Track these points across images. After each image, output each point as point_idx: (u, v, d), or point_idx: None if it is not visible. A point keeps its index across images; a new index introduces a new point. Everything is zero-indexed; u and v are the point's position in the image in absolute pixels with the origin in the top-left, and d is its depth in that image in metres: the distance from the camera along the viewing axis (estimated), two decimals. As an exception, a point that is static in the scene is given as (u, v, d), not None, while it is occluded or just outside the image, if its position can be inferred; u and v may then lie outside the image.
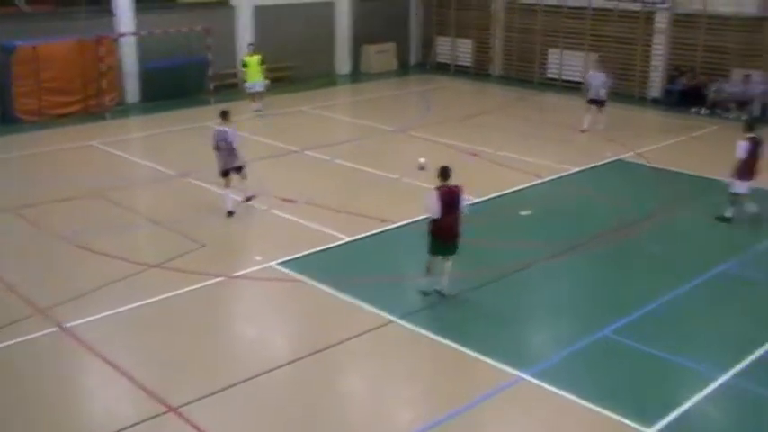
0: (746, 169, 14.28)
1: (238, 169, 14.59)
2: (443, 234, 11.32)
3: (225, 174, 14.51)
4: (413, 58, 32.33)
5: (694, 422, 8.83)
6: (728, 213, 14.60)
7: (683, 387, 9.41)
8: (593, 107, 21.43)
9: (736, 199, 14.56)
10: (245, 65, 22.93)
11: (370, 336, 10.52)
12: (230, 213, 14.51)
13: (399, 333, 10.64)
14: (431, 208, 11.18)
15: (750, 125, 14.91)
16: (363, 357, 10.18)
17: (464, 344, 10.19)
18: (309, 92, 26.43)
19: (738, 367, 9.75)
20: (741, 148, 14.26)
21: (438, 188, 11.26)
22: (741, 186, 14.41)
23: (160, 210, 15.18)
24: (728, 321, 11.11)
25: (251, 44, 23.87)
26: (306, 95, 25.80)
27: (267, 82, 22.99)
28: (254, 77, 22.72)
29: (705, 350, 10.32)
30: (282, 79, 26.74)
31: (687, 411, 8.89)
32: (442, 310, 11.30)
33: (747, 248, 13.57)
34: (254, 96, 22.89)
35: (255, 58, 22.69)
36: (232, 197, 14.59)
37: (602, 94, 21.48)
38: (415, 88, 28.80)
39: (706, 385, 9.38)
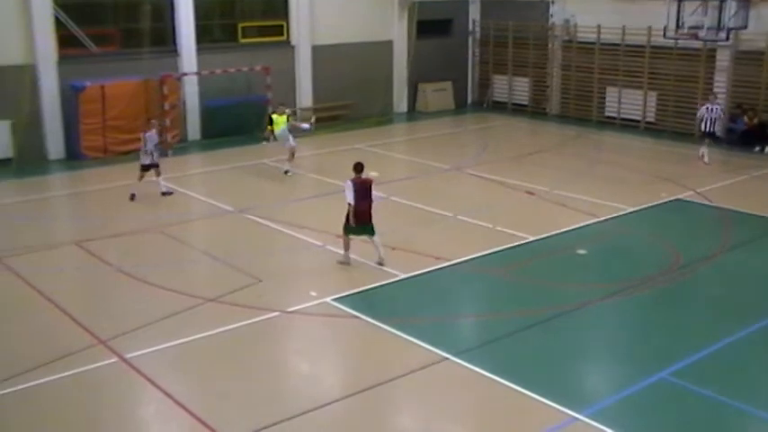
0: None
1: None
2: (359, 217, 13.74)
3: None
4: (470, 97, 32.47)
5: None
6: None
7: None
8: (707, 140, 21.94)
9: None
10: (271, 122, 20.68)
11: (424, 373, 10.48)
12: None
13: (454, 371, 10.58)
14: (347, 195, 13.63)
15: None
16: (417, 395, 10.13)
17: (519, 383, 10.07)
18: (365, 129, 26.73)
19: (803, 413, 9.47)
20: None
21: (353, 180, 13.69)
22: None
23: (218, 244, 15.44)
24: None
25: (282, 104, 21.56)
26: (361, 133, 26.08)
27: (310, 124, 21.17)
28: (283, 129, 20.57)
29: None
30: (338, 118, 27.08)
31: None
32: (497, 349, 11.21)
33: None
34: (288, 152, 20.78)
35: (283, 118, 20.55)
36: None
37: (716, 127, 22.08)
38: (472, 126, 28.87)
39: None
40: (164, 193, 18.53)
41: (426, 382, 10.35)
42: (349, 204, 13.71)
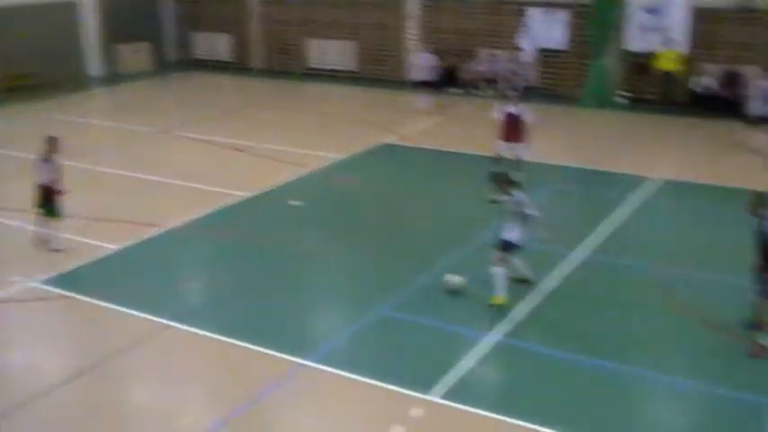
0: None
1: None
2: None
3: None
4: (170, 56, 31.44)
5: (470, 382, 9.29)
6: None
7: (459, 351, 9.83)
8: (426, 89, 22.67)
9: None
10: None
11: (148, 343, 10.12)
12: None
13: (178, 336, 10.33)
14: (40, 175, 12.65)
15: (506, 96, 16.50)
16: (143, 366, 9.75)
17: (244, 339, 10.07)
18: (58, 98, 24.80)
19: (506, 328, 10.37)
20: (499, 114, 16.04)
21: (44, 159, 12.65)
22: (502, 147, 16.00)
23: None
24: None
25: None
26: (54, 103, 24.18)
27: None
28: None
29: (475, 315, 10.87)
30: (22, 88, 24.85)
31: (462, 372, 9.35)
32: (220, 309, 11.10)
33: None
34: None
35: None
36: None
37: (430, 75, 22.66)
38: (175, 86, 28.07)
39: (479, 347, 9.91)
40: None
41: (151, 351, 10.01)
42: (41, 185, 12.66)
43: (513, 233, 10.76)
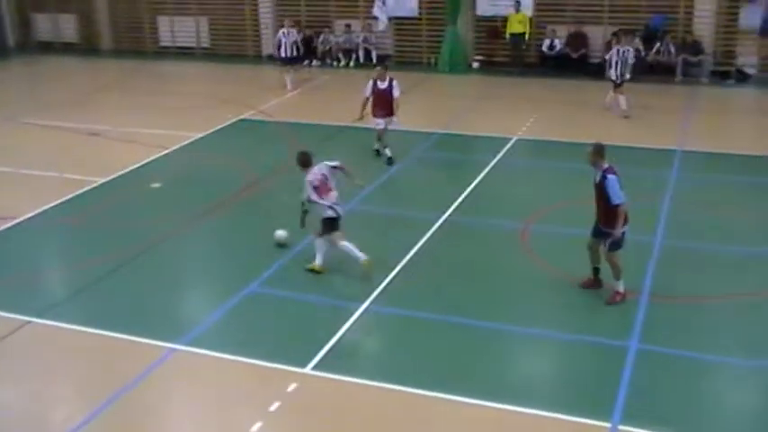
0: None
1: None
2: None
3: None
4: (10, 39, 29.78)
5: (343, 350, 9.40)
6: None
7: (330, 322, 9.90)
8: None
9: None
10: None
11: (7, 341, 9.68)
12: None
13: (39, 332, 9.91)
14: None
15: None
16: (5, 366, 9.34)
17: (113, 329, 9.76)
18: None
19: (373, 294, 10.54)
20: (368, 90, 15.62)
21: None
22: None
23: None
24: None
25: None
26: None
27: None
28: None
29: (342, 285, 10.98)
30: None
31: (336, 343, 9.44)
32: (84, 300, 10.71)
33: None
34: None
35: None
36: None
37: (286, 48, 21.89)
38: (18, 71, 26.73)
39: (349, 316, 10.01)
40: None
41: (10, 351, 9.58)
42: None
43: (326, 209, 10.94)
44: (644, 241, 11.70)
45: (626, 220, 9.98)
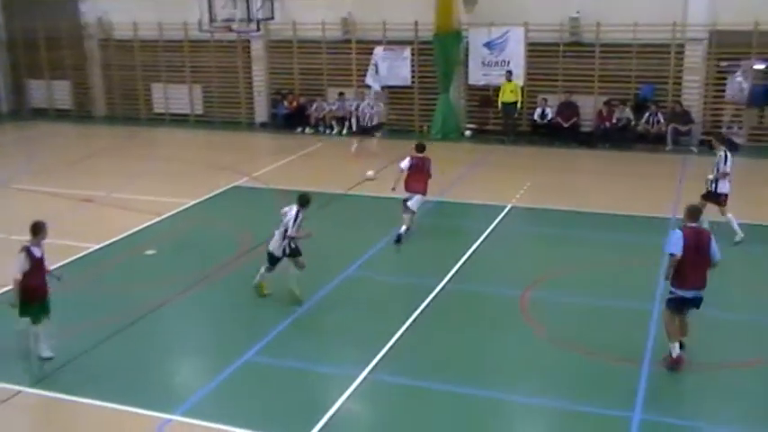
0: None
1: None
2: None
3: None
4: (4, 106, 29.92)
5: (342, 421, 9.19)
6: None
7: (328, 391, 9.74)
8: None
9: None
10: None
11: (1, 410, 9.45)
12: None
13: (29, 402, 9.70)
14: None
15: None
16: (-9, 438, 9.11)
17: (105, 399, 9.55)
18: None
19: (373, 362, 10.37)
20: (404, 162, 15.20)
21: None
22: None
23: None
24: (360, 321, 11.74)
25: None
26: None
27: None
28: None
29: (342, 353, 10.83)
30: None
31: (335, 413, 9.24)
32: (76, 368, 10.47)
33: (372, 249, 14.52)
34: None
35: None
36: None
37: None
38: (12, 136, 26.77)
39: (349, 385, 9.81)
40: None
41: (5, 419, 9.33)
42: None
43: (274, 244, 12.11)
44: (643, 308, 11.63)
45: (683, 283, 9.95)
